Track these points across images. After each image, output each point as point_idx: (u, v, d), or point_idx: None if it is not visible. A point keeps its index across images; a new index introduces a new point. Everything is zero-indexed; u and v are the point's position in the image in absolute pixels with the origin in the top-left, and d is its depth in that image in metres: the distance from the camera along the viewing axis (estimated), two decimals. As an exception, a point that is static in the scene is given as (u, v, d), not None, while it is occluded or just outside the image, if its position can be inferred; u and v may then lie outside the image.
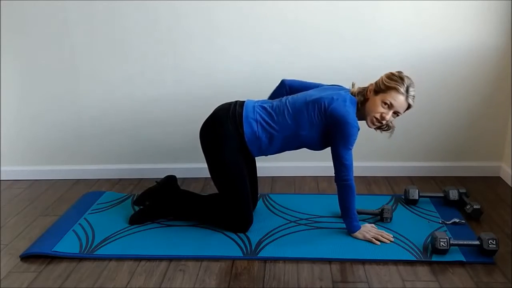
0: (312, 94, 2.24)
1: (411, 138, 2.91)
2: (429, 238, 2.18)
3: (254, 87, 2.76)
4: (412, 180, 2.90)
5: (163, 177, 2.57)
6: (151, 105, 2.91)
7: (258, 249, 2.17)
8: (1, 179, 3.08)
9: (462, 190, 2.55)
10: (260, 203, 2.60)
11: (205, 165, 2.33)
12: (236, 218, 2.30)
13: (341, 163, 2.15)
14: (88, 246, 2.24)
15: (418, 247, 2.16)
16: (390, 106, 2.13)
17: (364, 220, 2.36)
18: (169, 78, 2.86)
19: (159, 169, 2.93)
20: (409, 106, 2.16)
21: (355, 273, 2.01)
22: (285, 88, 2.40)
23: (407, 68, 2.25)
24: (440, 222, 2.37)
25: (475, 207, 2.39)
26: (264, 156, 2.34)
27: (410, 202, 2.56)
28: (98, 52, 2.82)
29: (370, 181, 2.90)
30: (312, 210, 2.52)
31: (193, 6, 2.71)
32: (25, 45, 2.83)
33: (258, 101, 2.32)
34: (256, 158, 2.41)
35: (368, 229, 2.24)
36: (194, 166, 2.94)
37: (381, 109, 2.14)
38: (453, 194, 2.52)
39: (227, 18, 2.73)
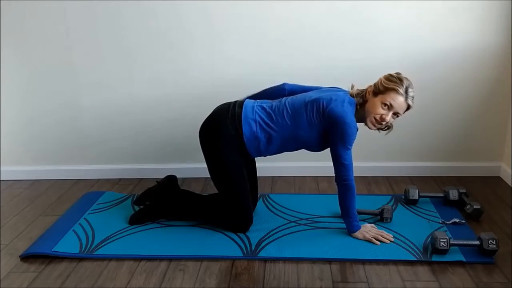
0: (310, 95, 2.25)
1: (411, 138, 2.91)
2: (429, 238, 2.18)
3: (254, 87, 2.74)
4: (412, 180, 2.90)
5: (163, 177, 2.57)
6: (151, 105, 2.91)
7: (258, 249, 2.17)
8: (1, 179, 3.08)
9: (462, 190, 2.55)
10: (260, 203, 2.60)
11: (205, 165, 2.33)
12: (236, 218, 2.30)
13: (340, 164, 2.15)
14: (88, 246, 2.24)
15: (418, 247, 2.16)
16: (390, 107, 2.13)
17: (364, 220, 2.36)
18: (169, 78, 2.86)
19: (159, 169, 2.93)
20: (408, 107, 2.16)
21: (355, 273, 2.01)
22: (285, 93, 2.40)
23: (407, 68, 2.26)
24: (440, 222, 2.37)
25: (475, 207, 2.39)
26: (263, 156, 2.34)
27: (410, 202, 2.56)
28: (98, 52, 2.82)
29: (370, 181, 2.90)
30: (312, 210, 2.52)
31: (193, 6, 2.71)
32: (25, 45, 2.83)
33: (257, 101, 2.32)
34: (256, 158, 2.41)
35: (368, 229, 2.24)
36: (194, 166, 2.94)
37: (380, 110, 2.14)
38: (453, 194, 2.52)
39: (228, 19, 2.73)
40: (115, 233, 2.35)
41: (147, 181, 2.88)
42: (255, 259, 2.11)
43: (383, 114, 2.14)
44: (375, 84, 2.18)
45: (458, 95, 2.82)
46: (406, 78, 2.15)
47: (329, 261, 2.09)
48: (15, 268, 2.11)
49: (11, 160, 3.08)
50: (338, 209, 2.28)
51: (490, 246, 2.04)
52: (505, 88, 2.78)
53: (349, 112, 2.14)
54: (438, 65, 2.75)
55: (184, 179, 2.92)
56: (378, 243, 2.19)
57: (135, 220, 2.43)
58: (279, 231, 2.33)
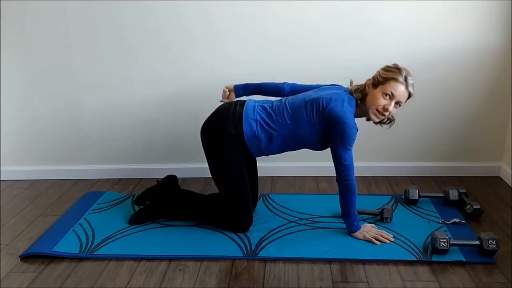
0: (310, 94, 2.25)
1: (411, 138, 2.91)
2: (429, 238, 2.18)
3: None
4: (412, 180, 2.90)
5: (163, 177, 2.57)
6: (151, 105, 2.91)
7: (258, 249, 2.17)
8: (1, 179, 3.08)
9: (462, 190, 2.55)
10: (260, 203, 2.60)
11: (205, 165, 2.33)
12: (236, 218, 2.30)
13: (341, 164, 2.15)
14: (88, 246, 2.24)
15: (418, 247, 2.16)
16: (392, 97, 2.13)
17: (364, 220, 2.36)
18: (169, 78, 2.86)
19: (159, 169, 2.93)
20: (409, 95, 2.16)
21: (355, 273, 2.01)
22: (285, 92, 2.40)
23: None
24: (440, 222, 2.37)
25: (475, 207, 2.39)
26: (264, 156, 2.34)
27: (410, 202, 2.56)
28: (98, 52, 2.82)
29: (370, 181, 2.90)
30: (312, 210, 2.52)
31: (193, 6, 2.71)
32: (25, 45, 2.83)
33: (258, 101, 2.32)
34: (256, 158, 2.41)
35: (368, 229, 2.24)
36: (194, 166, 2.94)
37: (382, 101, 2.14)
38: (453, 194, 2.52)
39: (228, 19, 2.73)
40: (115, 233, 2.35)
41: (147, 181, 2.88)
42: (255, 259, 2.11)
43: (385, 104, 2.14)
44: (373, 77, 2.19)
45: (458, 95, 2.82)
46: (403, 67, 2.15)
47: (329, 261, 2.08)
48: (15, 268, 2.11)
49: (11, 160, 3.08)
50: (338, 209, 2.28)
51: (490, 246, 2.04)
52: (505, 88, 2.78)
53: (348, 113, 2.14)
54: (438, 65, 2.75)
55: (184, 179, 2.92)
56: (378, 243, 2.19)
57: (135, 220, 2.43)
58: (279, 231, 2.33)
